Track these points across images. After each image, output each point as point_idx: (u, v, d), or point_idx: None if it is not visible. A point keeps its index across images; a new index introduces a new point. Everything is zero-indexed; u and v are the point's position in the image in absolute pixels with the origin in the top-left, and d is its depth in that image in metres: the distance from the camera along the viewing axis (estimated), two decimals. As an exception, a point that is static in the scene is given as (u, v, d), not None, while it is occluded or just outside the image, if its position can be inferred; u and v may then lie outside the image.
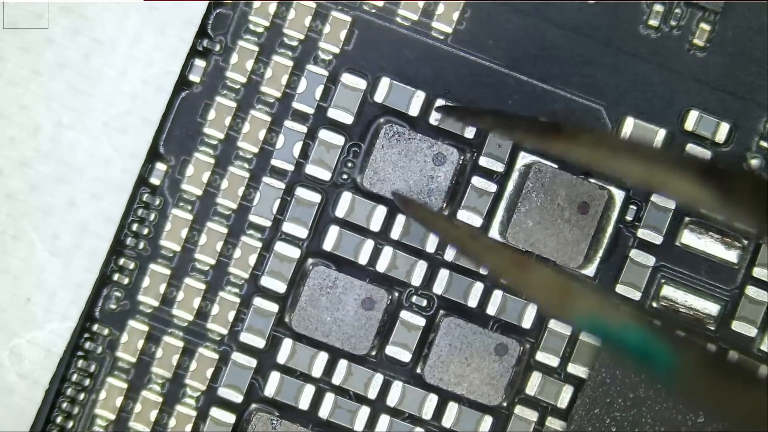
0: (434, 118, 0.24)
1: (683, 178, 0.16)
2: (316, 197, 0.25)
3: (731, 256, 0.24)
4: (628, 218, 0.25)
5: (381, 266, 0.25)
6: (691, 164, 0.16)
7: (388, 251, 0.25)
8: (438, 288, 0.25)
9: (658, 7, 0.24)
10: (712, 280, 0.25)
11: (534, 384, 0.25)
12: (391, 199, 0.24)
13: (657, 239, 0.24)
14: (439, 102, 0.25)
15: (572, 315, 0.17)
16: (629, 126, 0.24)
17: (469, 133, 0.25)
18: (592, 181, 0.24)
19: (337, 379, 0.25)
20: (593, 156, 0.19)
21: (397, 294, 0.25)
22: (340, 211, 0.25)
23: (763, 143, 0.24)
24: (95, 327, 0.25)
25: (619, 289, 0.25)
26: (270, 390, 0.25)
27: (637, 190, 0.24)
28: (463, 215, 0.25)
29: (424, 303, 0.25)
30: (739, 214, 0.16)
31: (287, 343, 0.25)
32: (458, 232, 0.23)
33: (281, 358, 0.25)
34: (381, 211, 0.25)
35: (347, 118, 0.25)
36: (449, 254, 0.25)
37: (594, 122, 0.25)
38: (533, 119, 0.24)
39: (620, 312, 0.16)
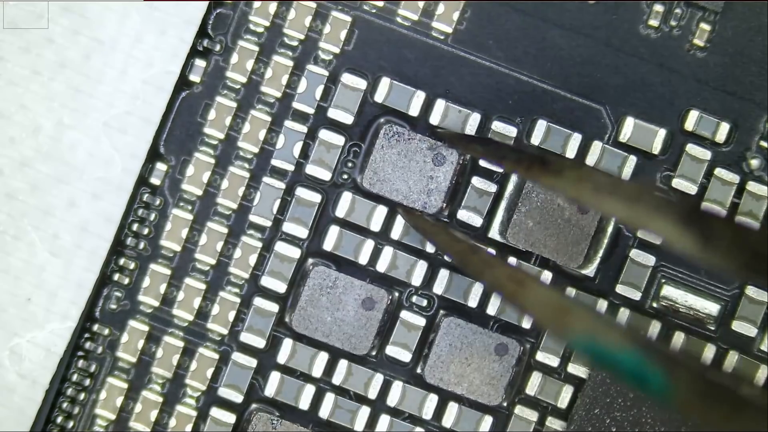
0: (434, 119, 0.25)
1: (665, 220, 0.16)
2: (316, 197, 0.25)
3: (731, 256, 0.24)
4: (628, 218, 0.25)
5: (381, 266, 0.25)
6: (673, 207, 0.16)
7: (388, 251, 0.25)
8: (438, 288, 0.25)
9: (658, 7, 0.24)
10: (712, 280, 0.25)
11: (534, 384, 0.25)
12: (391, 200, 0.24)
13: (657, 239, 0.25)
14: (440, 102, 0.25)
15: (568, 334, 0.17)
16: (629, 126, 0.24)
17: (470, 131, 0.25)
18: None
19: (337, 379, 0.25)
20: (577, 191, 0.19)
21: (397, 294, 0.25)
22: (341, 211, 0.25)
23: (763, 143, 0.24)
24: (95, 327, 0.25)
25: (619, 289, 0.25)
26: (270, 390, 0.25)
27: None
28: (463, 215, 0.25)
29: (425, 303, 0.25)
30: (719, 258, 0.16)
31: (287, 343, 0.25)
32: (458, 246, 0.23)
33: (281, 358, 0.25)
34: (381, 211, 0.25)
35: (347, 118, 0.25)
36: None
37: (594, 122, 0.25)
38: (521, 151, 0.24)
39: (615, 333, 0.16)
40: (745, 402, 0.14)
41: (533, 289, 0.18)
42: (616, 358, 0.16)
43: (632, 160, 0.24)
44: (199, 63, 0.25)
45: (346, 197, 0.25)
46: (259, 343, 0.25)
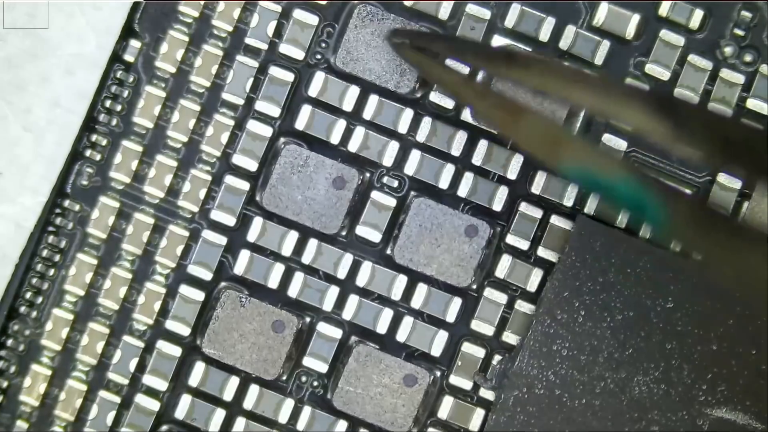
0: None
1: (636, 109, 0.16)
2: (289, 76, 0.25)
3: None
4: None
5: (353, 146, 0.25)
6: (643, 96, 0.16)
7: (360, 131, 0.25)
8: (409, 169, 0.25)
9: None
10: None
11: (504, 267, 0.25)
12: (363, 79, 0.24)
13: (629, 126, 0.24)
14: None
15: (561, 164, 0.17)
16: (603, 11, 0.24)
17: (443, 13, 0.24)
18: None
19: (306, 259, 0.25)
20: (545, 84, 0.19)
21: (368, 174, 0.25)
22: (313, 91, 0.25)
23: (737, 31, 0.24)
24: (66, 202, 0.25)
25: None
26: (239, 268, 0.25)
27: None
28: (435, 97, 0.25)
29: (395, 184, 0.25)
30: (690, 146, 0.16)
31: (257, 222, 0.25)
32: (451, 77, 0.22)
33: (251, 236, 0.25)
34: (354, 91, 0.25)
35: (322, -2, 0.25)
36: (421, 135, 0.25)
37: (568, 6, 0.25)
38: (485, 45, 0.24)
39: (610, 162, 0.16)
40: (742, 228, 0.14)
41: (527, 118, 0.18)
42: (612, 186, 0.16)
43: (605, 45, 0.24)
44: (176, -57, 0.25)
45: (319, 77, 0.25)
46: (230, 221, 0.25)
